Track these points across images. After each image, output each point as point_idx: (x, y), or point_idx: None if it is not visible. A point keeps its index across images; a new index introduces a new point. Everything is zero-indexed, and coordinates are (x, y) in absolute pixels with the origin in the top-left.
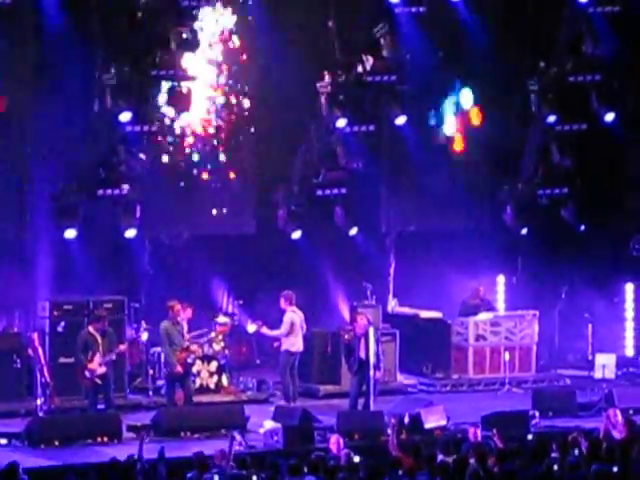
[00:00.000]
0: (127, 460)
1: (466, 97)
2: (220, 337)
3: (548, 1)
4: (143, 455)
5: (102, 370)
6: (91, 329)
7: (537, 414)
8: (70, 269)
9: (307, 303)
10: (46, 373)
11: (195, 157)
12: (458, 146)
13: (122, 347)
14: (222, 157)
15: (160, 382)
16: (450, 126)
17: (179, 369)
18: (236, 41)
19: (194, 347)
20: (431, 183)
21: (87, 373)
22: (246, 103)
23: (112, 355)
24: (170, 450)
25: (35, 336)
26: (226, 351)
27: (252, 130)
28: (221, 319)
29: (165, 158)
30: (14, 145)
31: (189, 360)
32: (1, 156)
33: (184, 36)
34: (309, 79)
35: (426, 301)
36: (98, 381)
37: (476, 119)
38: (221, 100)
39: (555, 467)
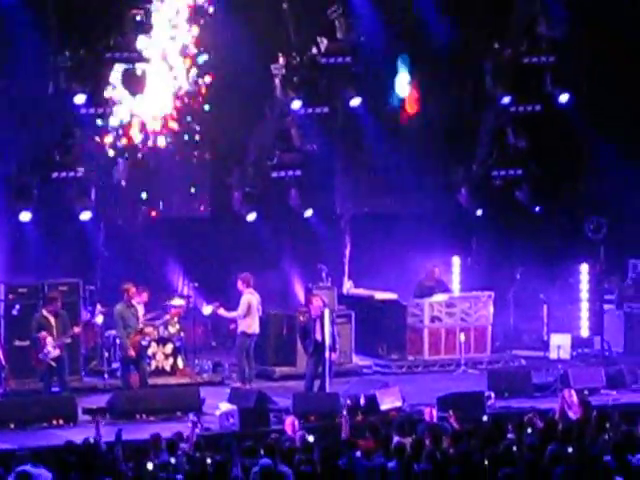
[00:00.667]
0: (83, 443)
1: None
2: (175, 319)
3: None
4: (101, 438)
5: (56, 353)
6: (45, 312)
7: (492, 395)
8: (25, 252)
9: (262, 285)
10: (1, 356)
11: (149, 139)
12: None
13: (76, 330)
14: (176, 139)
15: (115, 365)
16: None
17: (132, 352)
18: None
19: (149, 329)
20: (385, 165)
21: (41, 356)
22: (200, 85)
23: (66, 338)
24: (126, 433)
25: None
26: (181, 333)
27: (206, 111)
28: (176, 301)
29: (120, 141)
30: None
31: (144, 343)
32: None
33: (138, 18)
34: (263, 61)
35: (381, 282)
36: (52, 364)
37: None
38: (177, 83)
39: (513, 448)
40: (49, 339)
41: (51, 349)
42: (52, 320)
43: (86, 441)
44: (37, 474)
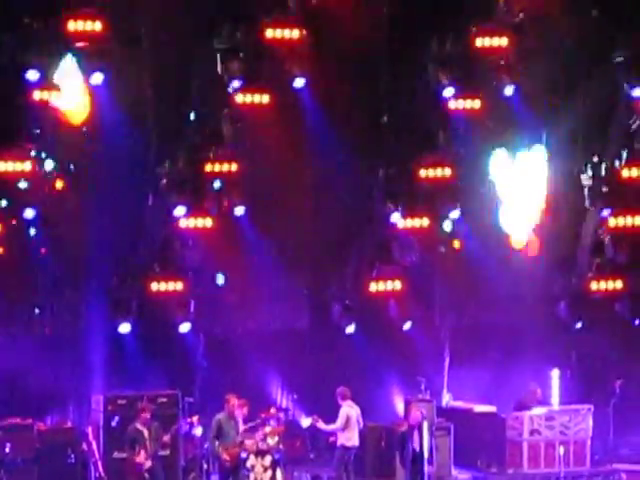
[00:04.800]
0: None
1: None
2: (274, 432)
3: (599, 95)
4: None
5: (148, 464)
6: (138, 424)
7: None
8: (124, 363)
9: (361, 397)
10: (100, 468)
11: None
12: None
13: (165, 438)
14: (275, 251)
15: (214, 477)
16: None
17: (227, 461)
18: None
19: (248, 443)
20: (485, 277)
21: (135, 468)
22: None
23: (159, 449)
24: None
25: (89, 430)
26: (280, 446)
27: (306, 224)
28: (275, 414)
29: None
30: (70, 239)
31: (243, 455)
32: (58, 249)
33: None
34: (363, 173)
35: (480, 395)
36: (146, 475)
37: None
38: None
39: None
40: (141, 451)
41: (143, 461)
42: (145, 432)
43: None
44: None
